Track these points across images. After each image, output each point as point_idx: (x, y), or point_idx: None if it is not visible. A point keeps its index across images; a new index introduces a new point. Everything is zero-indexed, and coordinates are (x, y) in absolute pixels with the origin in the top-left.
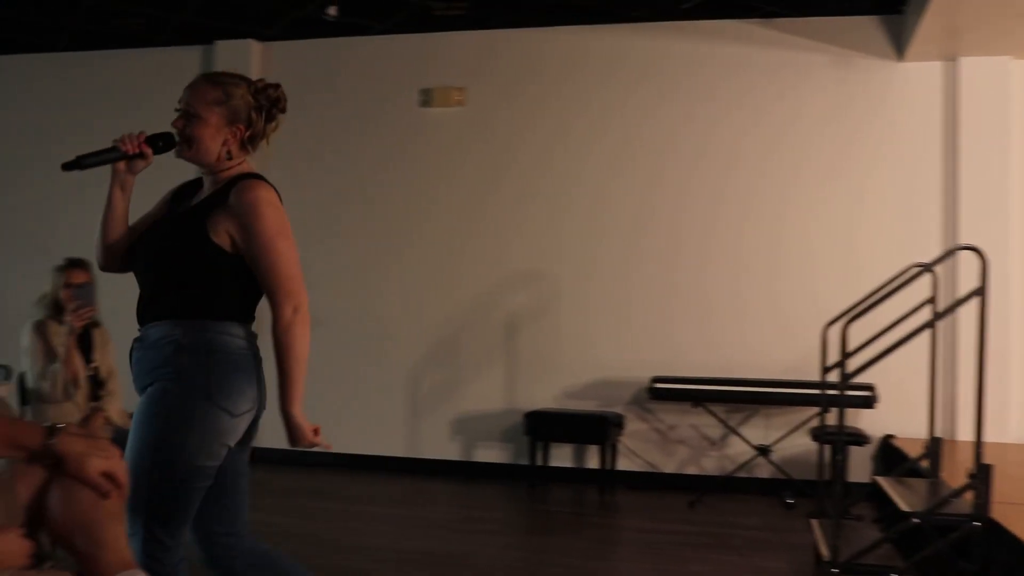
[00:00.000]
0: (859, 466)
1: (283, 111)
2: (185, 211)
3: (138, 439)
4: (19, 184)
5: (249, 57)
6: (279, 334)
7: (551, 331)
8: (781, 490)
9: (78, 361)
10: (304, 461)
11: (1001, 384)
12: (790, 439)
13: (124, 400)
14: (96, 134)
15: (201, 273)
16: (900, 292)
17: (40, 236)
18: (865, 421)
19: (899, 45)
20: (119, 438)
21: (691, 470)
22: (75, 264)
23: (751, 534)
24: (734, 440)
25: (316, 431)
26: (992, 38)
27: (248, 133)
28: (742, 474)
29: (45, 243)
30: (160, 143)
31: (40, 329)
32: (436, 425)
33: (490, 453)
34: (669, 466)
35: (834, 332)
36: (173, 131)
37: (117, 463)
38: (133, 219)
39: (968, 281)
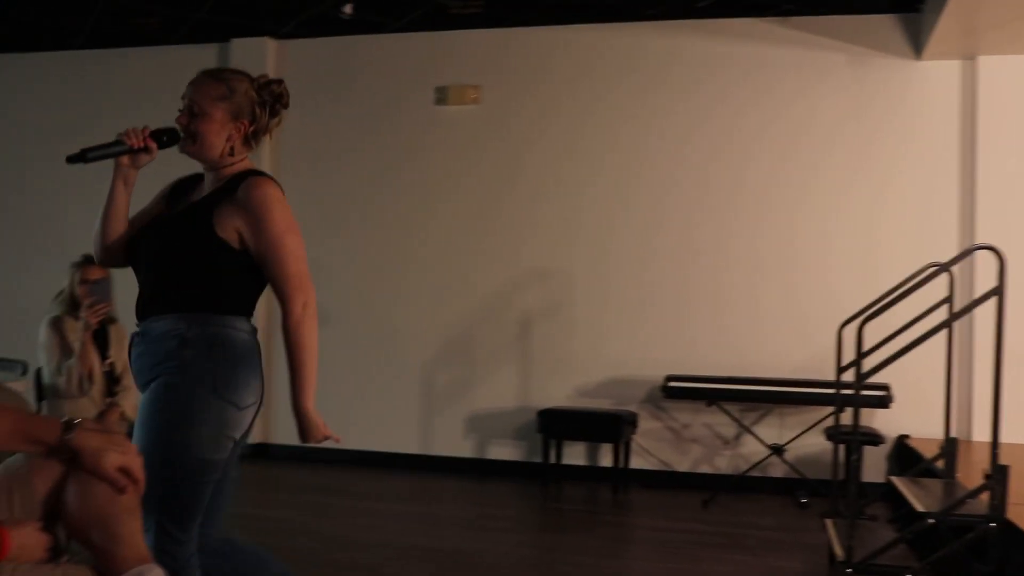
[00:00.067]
0: (874, 466)
1: (286, 106)
2: (190, 206)
3: (146, 434)
4: (37, 181)
5: (264, 55)
6: (291, 330)
7: (565, 329)
8: (795, 490)
9: (94, 357)
10: (316, 457)
11: (1018, 384)
12: (804, 438)
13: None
14: (112, 132)
15: (206, 268)
16: (917, 292)
17: (57, 232)
18: (880, 421)
19: (917, 44)
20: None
21: (705, 469)
22: (91, 260)
23: (765, 534)
24: (748, 439)
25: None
26: (1011, 37)
27: (252, 128)
28: (756, 473)
29: (62, 239)
30: (164, 138)
31: (56, 325)
32: (449, 422)
33: (503, 451)
34: (683, 465)
35: (849, 332)
36: (177, 127)
37: (133, 458)
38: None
39: (985, 281)
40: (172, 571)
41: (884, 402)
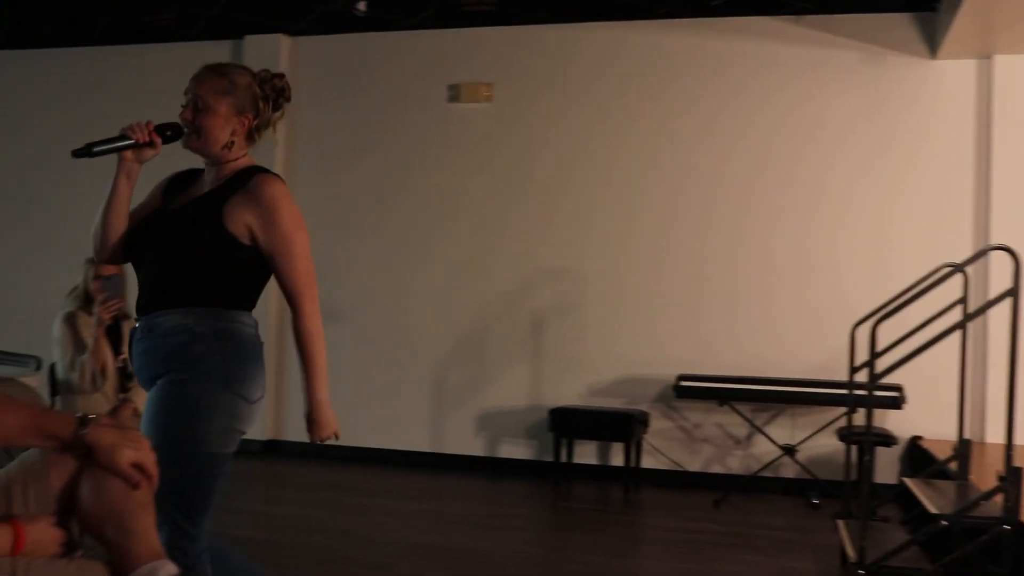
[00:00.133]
0: (886, 467)
1: (288, 100)
2: (196, 201)
3: (157, 431)
4: (52, 177)
5: (278, 52)
6: (305, 324)
7: (577, 328)
8: (807, 490)
9: (107, 352)
10: (328, 455)
11: None
12: (816, 439)
13: None
14: None
15: (215, 262)
16: (931, 292)
17: (71, 228)
18: (892, 422)
19: (932, 43)
20: None
21: (716, 469)
22: None
23: (776, 534)
24: (760, 439)
25: None
26: None
27: (256, 123)
28: (767, 474)
29: (75, 235)
30: (168, 132)
31: (70, 320)
32: (461, 421)
33: (515, 449)
34: (694, 464)
35: (863, 332)
36: (180, 122)
37: (147, 454)
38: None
39: (1000, 282)
40: (184, 566)
41: (897, 403)
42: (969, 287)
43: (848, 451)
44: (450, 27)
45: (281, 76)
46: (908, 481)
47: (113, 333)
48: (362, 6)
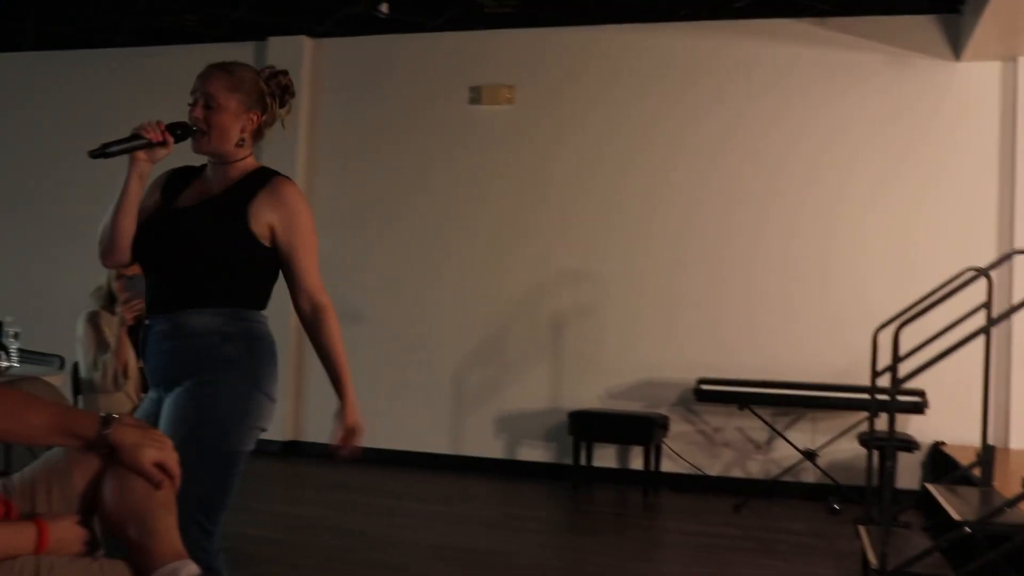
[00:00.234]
0: (908, 472)
1: (293, 96)
2: (214, 201)
3: (189, 430)
4: (76, 177)
5: (301, 53)
6: (333, 321)
7: (597, 331)
8: (827, 495)
9: (129, 352)
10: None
11: None
12: (837, 444)
13: None
14: None
15: (241, 263)
16: (954, 296)
17: (94, 228)
18: (914, 427)
19: (956, 45)
20: None
21: (736, 473)
22: None
23: (797, 539)
24: (780, 444)
25: None
26: None
27: (263, 119)
28: (788, 478)
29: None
30: (179, 132)
31: (93, 320)
32: (480, 423)
33: (534, 452)
34: (714, 469)
35: (885, 336)
36: (188, 121)
37: (169, 454)
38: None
39: None
40: (204, 563)
41: (919, 408)
42: (993, 291)
43: (870, 456)
44: (472, 29)
45: (285, 73)
46: (931, 487)
47: (135, 333)
48: (384, 8)
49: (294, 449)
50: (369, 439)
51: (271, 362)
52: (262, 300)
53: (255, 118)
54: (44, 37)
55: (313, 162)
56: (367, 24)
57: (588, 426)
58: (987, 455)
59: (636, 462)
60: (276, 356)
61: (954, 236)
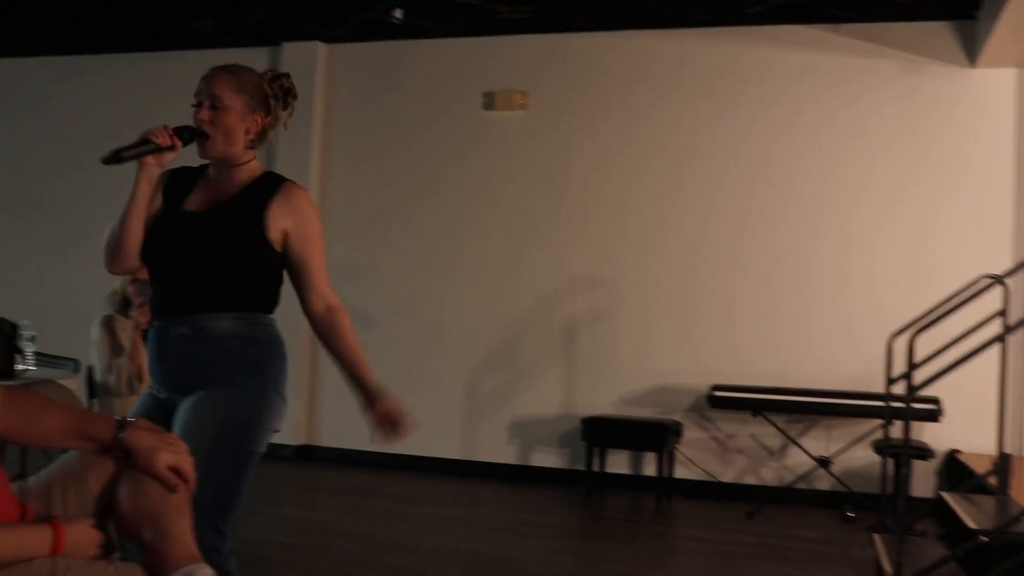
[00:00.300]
0: (922, 481)
1: (295, 98)
2: (228, 206)
3: (214, 429)
4: (91, 181)
5: (315, 58)
6: (347, 320)
7: (610, 336)
8: (841, 503)
9: (143, 356)
10: (360, 460)
11: None
12: (851, 451)
13: None
14: None
15: (255, 267)
16: (970, 304)
17: None
18: (929, 434)
19: (971, 51)
20: None
21: (750, 480)
22: None
23: (811, 547)
24: (794, 451)
25: None
26: None
27: (267, 121)
28: (802, 485)
29: None
30: (186, 135)
31: (108, 324)
32: (493, 428)
33: (547, 458)
34: (727, 475)
35: (900, 343)
36: (195, 124)
37: (184, 458)
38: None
39: None
40: (218, 565)
41: (934, 415)
42: (1009, 299)
43: (884, 464)
44: (485, 35)
45: (287, 76)
46: (946, 495)
47: None
48: (398, 14)
49: (308, 453)
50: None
51: (285, 365)
52: (273, 304)
53: (259, 119)
54: (60, 42)
55: (327, 167)
56: (381, 29)
57: (601, 432)
58: (1003, 463)
59: (649, 468)
60: (287, 358)
61: (970, 243)
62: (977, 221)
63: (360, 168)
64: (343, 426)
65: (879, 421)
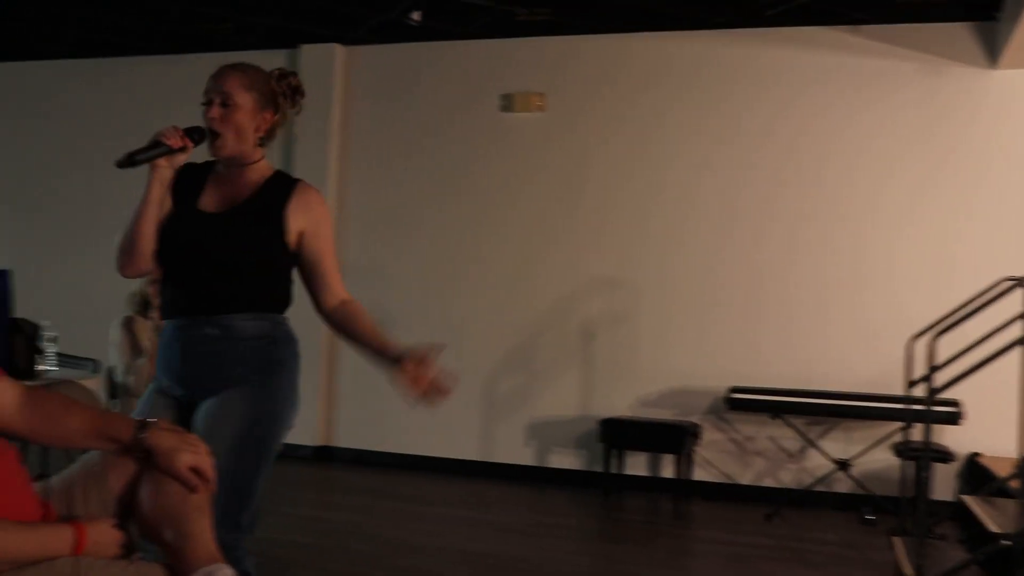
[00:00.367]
0: (943, 484)
1: (303, 96)
2: (247, 207)
3: (245, 427)
4: (112, 183)
5: (333, 61)
6: (354, 305)
7: (629, 338)
8: (860, 506)
9: None
10: (377, 461)
11: None
12: (871, 454)
13: None
14: None
15: (275, 268)
16: (991, 306)
17: None
18: (949, 437)
19: (992, 52)
20: None
21: (768, 482)
22: None
23: (830, 550)
24: (813, 453)
25: None
26: None
27: (276, 119)
28: (820, 488)
29: None
30: (196, 136)
31: (128, 325)
32: (510, 429)
33: (564, 459)
34: (746, 477)
35: (920, 345)
36: (204, 123)
37: (204, 458)
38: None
39: None
40: (238, 561)
41: (955, 418)
42: None
43: (904, 467)
44: (503, 37)
45: (294, 74)
46: (967, 499)
47: None
48: (416, 16)
49: (325, 454)
50: (399, 445)
51: (300, 364)
52: (288, 303)
53: (269, 117)
54: (80, 45)
55: (344, 169)
56: (399, 32)
57: (619, 434)
58: None
59: (667, 470)
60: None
61: (991, 245)
62: (998, 223)
63: (378, 170)
64: (360, 427)
65: (899, 424)
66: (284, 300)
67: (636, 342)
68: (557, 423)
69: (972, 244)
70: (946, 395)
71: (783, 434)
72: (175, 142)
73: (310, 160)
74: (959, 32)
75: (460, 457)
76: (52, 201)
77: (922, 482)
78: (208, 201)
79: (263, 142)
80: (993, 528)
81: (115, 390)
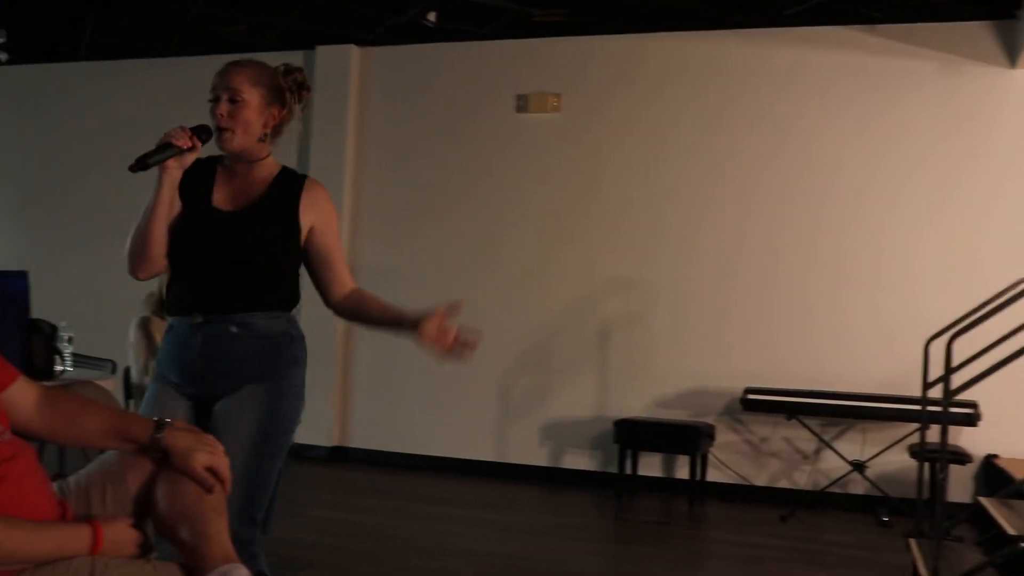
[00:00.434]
0: (959, 485)
1: (309, 91)
2: (261, 205)
3: (267, 423)
4: (130, 185)
5: (349, 62)
6: (363, 291)
7: (644, 339)
8: (876, 507)
9: None
10: (393, 462)
11: None
12: (886, 455)
13: None
14: None
15: (288, 265)
16: (1009, 308)
17: None
18: (966, 439)
19: (1012, 52)
20: None
21: (783, 484)
22: None
23: (845, 551)
24: (828, 454)
25: None
26: None
27: (283, 115)
28: (836, 489)
29: None
30: (204, 135)
31: (145, 325)
32: (525, 430)
33: (579, 460)
34: (760, 479)
35: (937, 346)
36: (210, 122)
37: (221, 459)
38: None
39: None
40: (252, 557)
41: (972, 420)
42: None
43: (920, 468)
44: (519, 37)
45: (300, 70)
46: (984, 500)
47: None
48: (432, 17)
49: (340, 455)
50: (414, 446)
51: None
52: (296, 300)
53: (276, 113)
54: (96, 47)
55: (360, 169)
56: (415, 32)
57: (634, 434)
58: None
59: (682, 471)
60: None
61: (1009, 246)
62: (1017, 224)
63: (393, 170)
64: (375, 428)
65: (915, 425)
66: (294, 297)
67: (651, 342)
68: (572, 424)
69: (990, 245)
70: (963, 396)
71: (798, 435)
72: (184, 143)
73: (325, 160)
74: (978, 31)
75: (475, 458)
76: (69, 202)
77: (938, 484)
78: (220, 199)
79: (270, 138)
80: (1010, 530)
81: (132, 391)
